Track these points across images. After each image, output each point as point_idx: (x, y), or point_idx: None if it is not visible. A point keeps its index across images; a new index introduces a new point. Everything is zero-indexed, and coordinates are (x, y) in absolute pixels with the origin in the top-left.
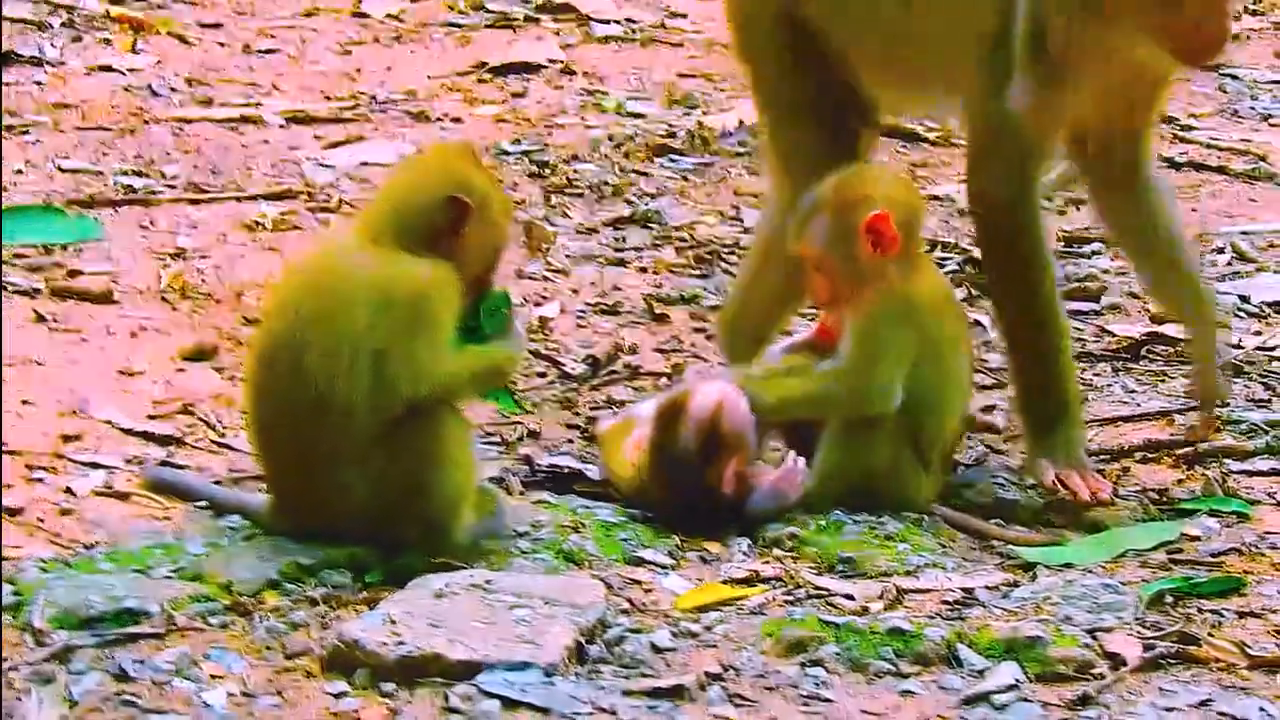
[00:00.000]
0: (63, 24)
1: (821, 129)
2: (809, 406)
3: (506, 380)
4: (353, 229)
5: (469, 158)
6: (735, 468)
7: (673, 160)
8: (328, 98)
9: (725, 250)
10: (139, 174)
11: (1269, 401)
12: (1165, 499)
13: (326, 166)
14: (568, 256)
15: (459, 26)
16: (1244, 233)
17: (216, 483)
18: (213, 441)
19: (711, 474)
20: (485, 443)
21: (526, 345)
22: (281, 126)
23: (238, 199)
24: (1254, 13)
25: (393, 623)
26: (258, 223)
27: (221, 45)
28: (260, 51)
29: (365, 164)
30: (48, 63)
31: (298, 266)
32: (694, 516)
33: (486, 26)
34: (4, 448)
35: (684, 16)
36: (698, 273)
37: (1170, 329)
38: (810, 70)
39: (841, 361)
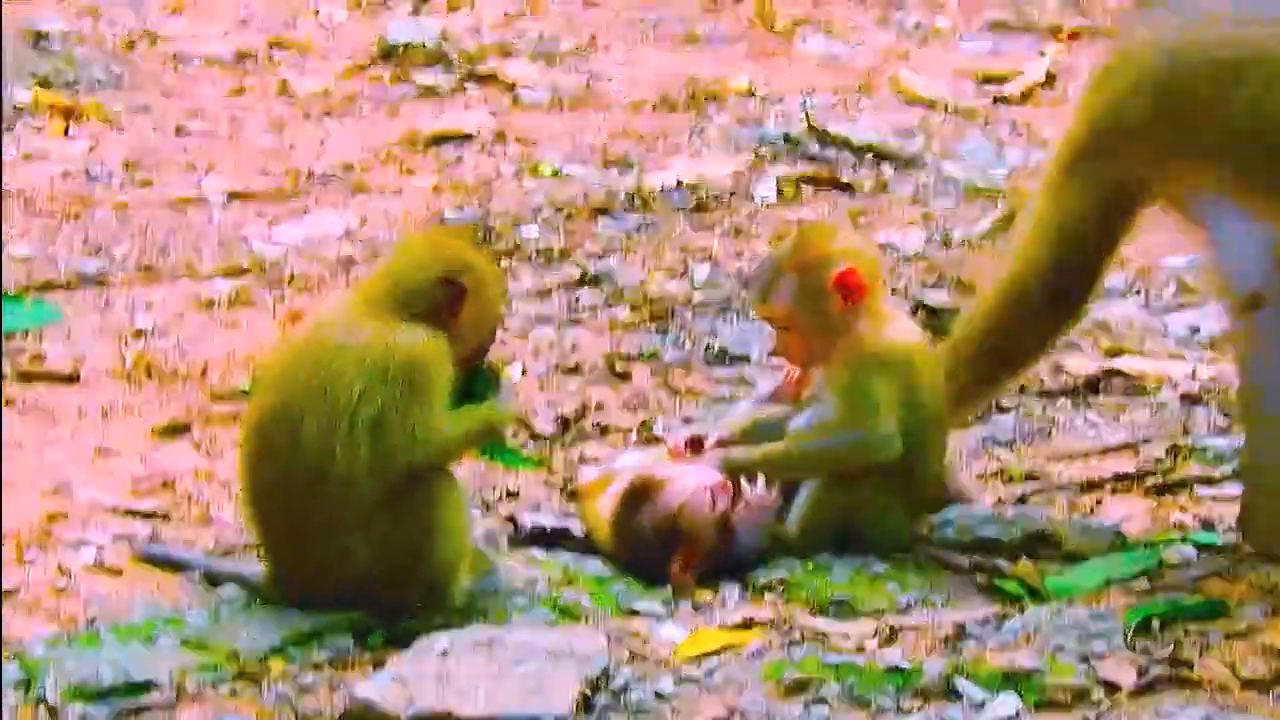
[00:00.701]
0: None
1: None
2: (806, 465)
3: (499, 438)
4: (347, 303)
5: (463, 240)
6: (688, 559)
7: (615, 220)
8: (265, 174)
9: (680, 307)
10: (90, 256)
11: (1229, 429)
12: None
13: (273, 244)
14: (524, 318)
15: (386, 100)
16: (1189, 264)
17: (208, 554)
18: (198, 515)
19: (670, 560)
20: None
21: (518, 408)
22: (224, 205)
23: (190, 278)
24: None
25: (402, 683)
26: (213, 301)
27: (153, 129)
28: (193, 132)
29: (310, 238)
30: None
31: (292, 339)
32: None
33: (414, 98)
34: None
35: (609, 80)
36: (655, 329)
37: (1125, 363)
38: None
39: (830, 416)
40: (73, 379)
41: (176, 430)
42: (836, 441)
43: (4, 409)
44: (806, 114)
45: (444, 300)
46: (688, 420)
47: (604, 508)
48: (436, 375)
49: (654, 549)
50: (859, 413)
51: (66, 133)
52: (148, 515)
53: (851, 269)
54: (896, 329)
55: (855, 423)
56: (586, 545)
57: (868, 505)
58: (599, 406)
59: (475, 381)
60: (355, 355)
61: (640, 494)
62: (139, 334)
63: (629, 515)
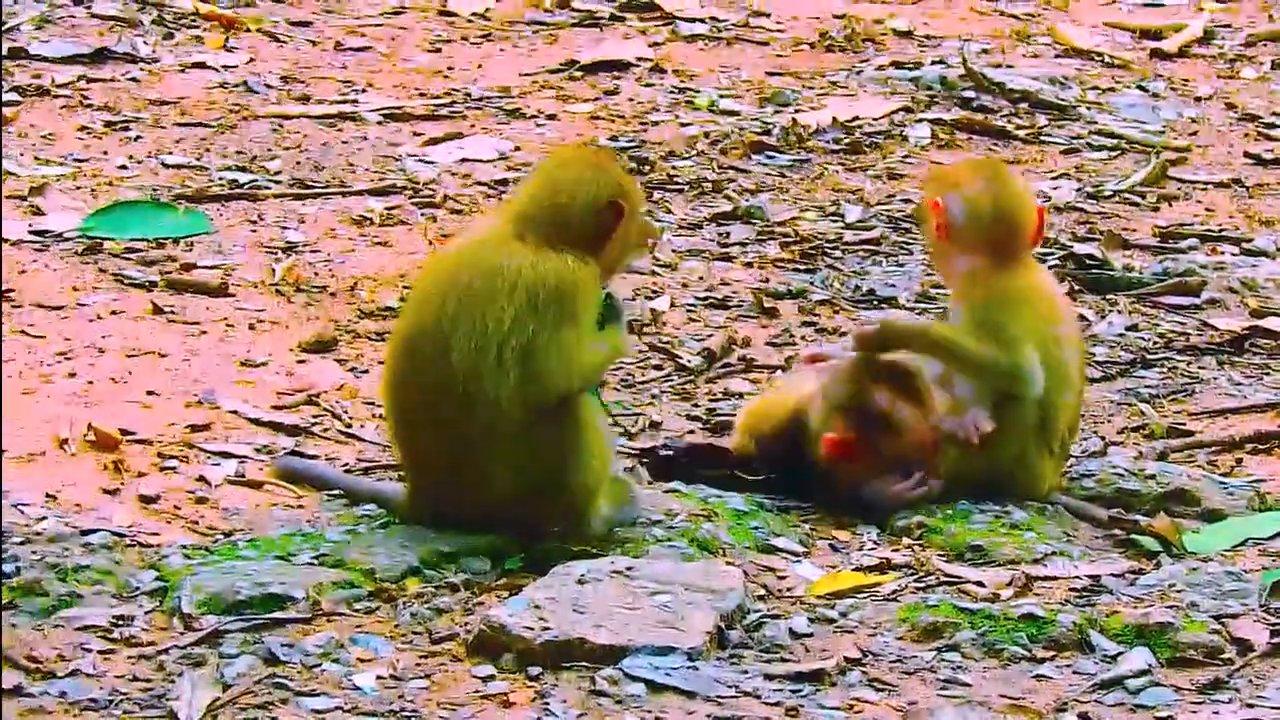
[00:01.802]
0: (153, 21)
1: None
2: (959, 359)
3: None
4: (497, 224)
5: (617, 162)
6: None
7: (769, 157)
8: (422, 95)
9: (829, 245)
10: (242, 169)
11: None
12: None
13: (427, 163)
14: (674, 251)
15: (545, 25)
16: None
17: (347, 472)
18: (340, 432)
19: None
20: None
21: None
22: (379, 123)
23: (343, 194)
24: None
25: (537, 608)
26: (365, 217)
27: (312, 43)
28: (351, 49)
29: (465, 160)
30: (142, 60)
31: (442, 260)
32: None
33: (573, 25)
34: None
35: (767, 15)
36: (803, 267)
37: (1271, 323)
38: None
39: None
40: (221, 290)
41: (323, 346)
42: (989, 357)
43: (145, 318)
44: (964, 58)
45: (605, 223)
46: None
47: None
48: (586, 302)
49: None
50: (1003, 346)
51: (226, 45)
52: (290, 430)
53: (937, 203)
54: (1028, 277)
55: (1001, 353)
56: (731, 478)
57: (1012, 453)
58: (745, 342)
59: (602, 308)
60: (508, 281)
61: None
62: (289, 248)
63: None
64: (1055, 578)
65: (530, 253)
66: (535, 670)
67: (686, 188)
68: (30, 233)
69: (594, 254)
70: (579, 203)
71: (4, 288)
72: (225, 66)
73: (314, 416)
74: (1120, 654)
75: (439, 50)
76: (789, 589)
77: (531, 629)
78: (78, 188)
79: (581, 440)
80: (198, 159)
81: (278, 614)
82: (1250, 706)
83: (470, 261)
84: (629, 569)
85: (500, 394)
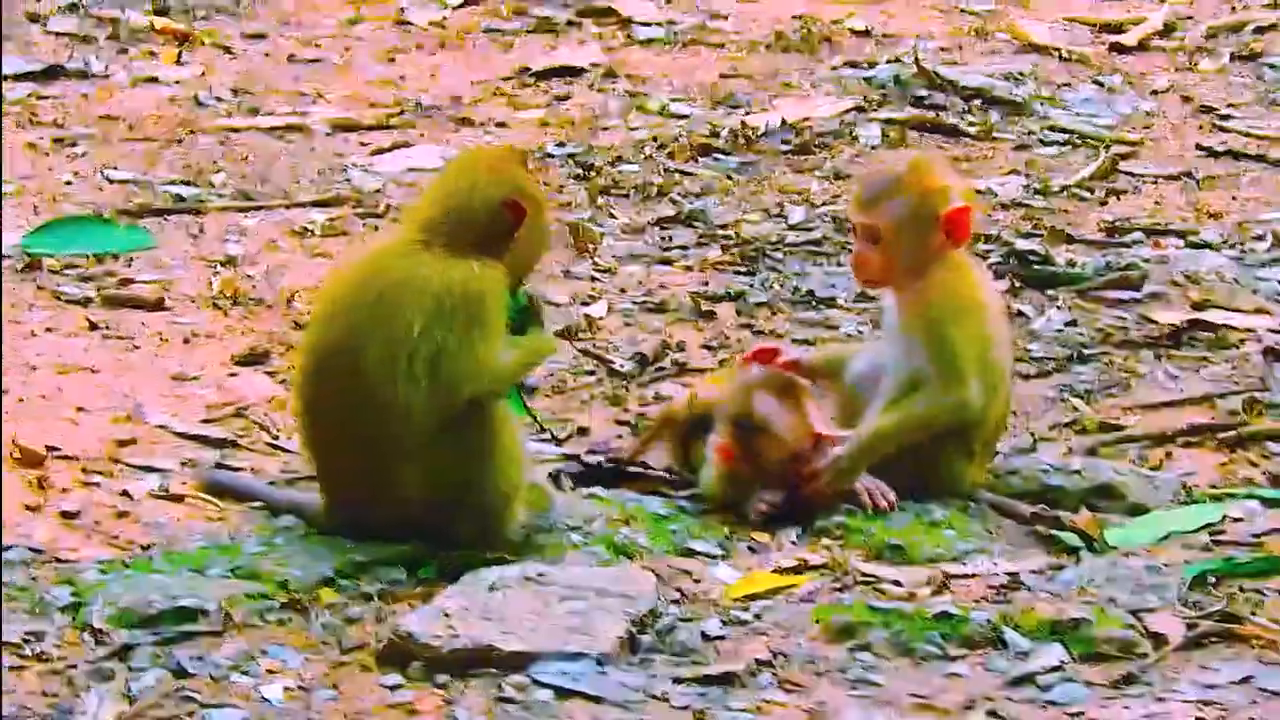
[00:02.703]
0: (108, 37)
1: None
2: (906, 439)
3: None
4: (402, 232)
5: (519, 162)
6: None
7: (717, 159)
8: (373, 105)
9: (770, 248)
10: (187, 183)
11: None
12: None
13: (373, 173)
14: (614, 256)
15: (501, 32)
16: None
17: (271, 484)
18: (266, 444)
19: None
20: (537, 439)
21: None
22: (327, 134)
23: (286, 206)
24: None
25: (447, 616)
26: (306, 229)
27: (266, 55)
28: (305, 60)
29: (411, 169)
30: (94, 75)
31: (348, 270)
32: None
33: (528, 31)
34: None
35: (725, 18)
36: (744, 270)
37: (1211, 315)
38: None
39: (928, 380)
40: (158, 304)
41: (255, 358)
42: (930, 413)
43: (79, 334)
44: (916, 57)
45: (503, 224)
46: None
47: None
48: (495, 306)
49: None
50: (953, 375)
51: (179, 59)
52: (217, 443)
53: (968, 209)
54: (971, 275)
55: (950, 386)
56: (651, 486)
57: (930, 450)
58: (680, 345)
59: (518, 310)
60: (415, 289)
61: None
62: (229, 261)
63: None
64: (974, 575)
65: (436, 260)
66: (443, 679)
67: (632, 192)
68: None
69: (498, 257)
70: (476, 205)
71: None
72: (177, 81)
73: (241, 429)
74: (1033, 650)
75: (393, 60)
76: (705, 592)
77: (440, 637)
78: (21, 204)
79: (496, 447)
80: (143, 174)
81: (189, 627)
82: (1161, 700)
83: (376, 271)
84: (541, 575)
85: (412, 403)
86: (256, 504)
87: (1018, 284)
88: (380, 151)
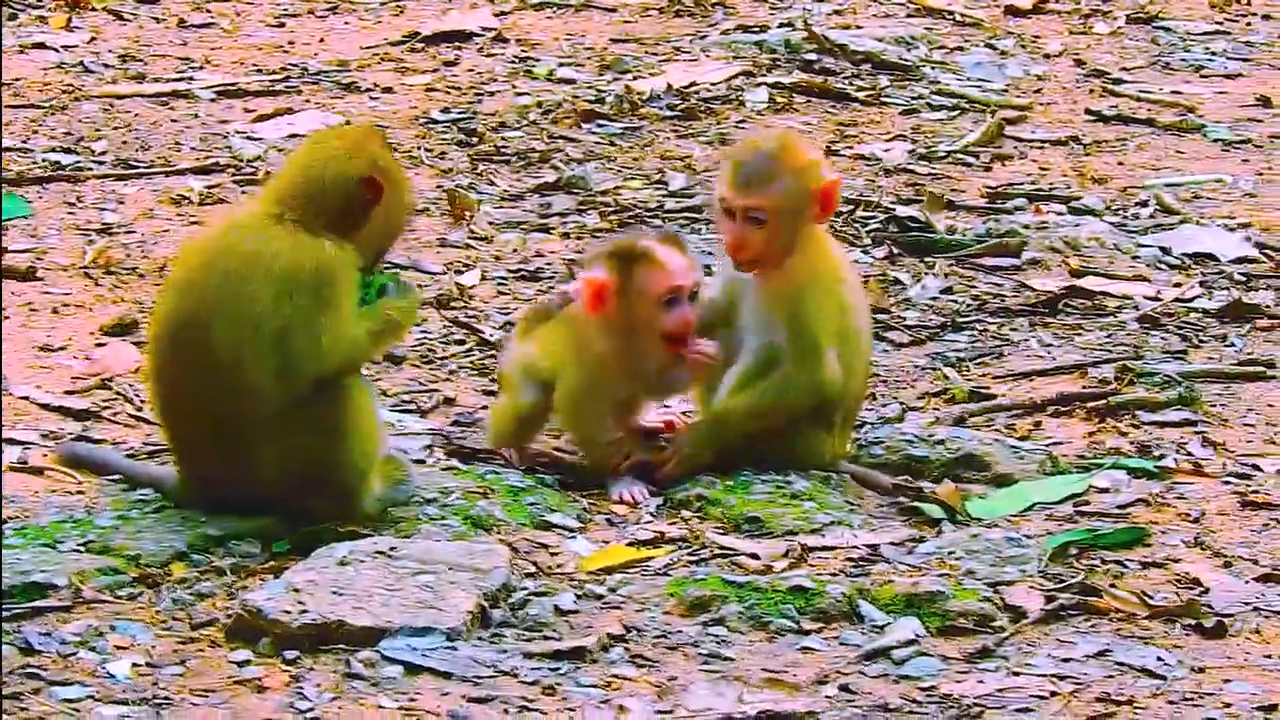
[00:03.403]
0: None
1: None
2: (764, 420)
3: (405, 331)
4: (256, 207)
5: (378, 139)
6: None
7: (600, 126)
8: (259, 70)
9: (648, 214)
10: (68, 151)
11: (1184, 353)
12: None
13: (254, 139)
14: (491, 223)
15: None
16: (1169, 185)
17: (131, 456)
18: (130, 415)
19: None
20: (402, 410)
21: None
22: (212, 100)
23: (165, 174)
24: None
25: (296, 591)
26: (184, 197)
27: (156, 21)
28: (194, 26)
29: (293, 136)
30: None
31: (200, 244)
32: None
33: None
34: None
35: None
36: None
37: (1089, 282)
38: None
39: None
40: (29, 274)
41: (124, 328)
42: (785, 394)
43: None
44: (806, 20)
45: (359, 202)
46: None
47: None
48: (344, 285)
49: None
50: (812, 354)
51: (69, 24)
52: (80, 414)
53: (838, 181)
54: (833, 252)
55: (810, 366)
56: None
57: (786, 424)
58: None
59: (379, 291)
60: (264, 266)
61: None
62: (104, 229)
63: None
64: (833, 548)
65: (287, 235)
66: (292, 654)
67: (514, 158)
68: None
69: (353, 234)
70: (330, 181)
71: None
72: (65, 46)
73: (105, 400)
74: (888, 624)
75: (283, 25)
76: (560, 565)
77: (289, 612)
78: None
79: (349, 421)
80: (24, 141)
81: (38, 602)
82: (1016, 675)
83: (228, 246)
84: (392, 549)
85: (260, 379)
86: (115, 477)
87: (895, 251)
88: (264, 118)
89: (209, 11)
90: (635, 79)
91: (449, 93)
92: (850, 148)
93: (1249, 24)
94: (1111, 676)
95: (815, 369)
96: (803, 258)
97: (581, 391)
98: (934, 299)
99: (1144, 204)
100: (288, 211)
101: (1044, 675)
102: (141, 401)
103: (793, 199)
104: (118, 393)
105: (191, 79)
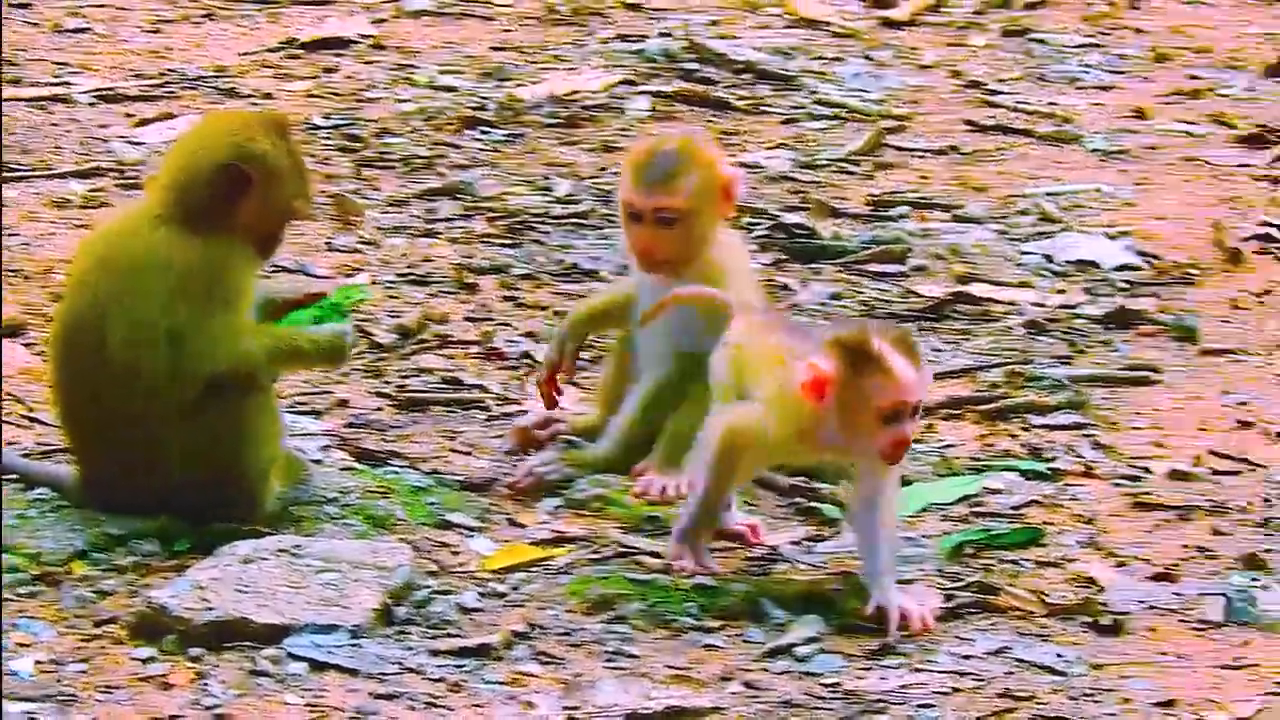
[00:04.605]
0: None
1: None
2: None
3: (334, 362)
4: (145, 202)
5: (261, 126)
6: None
7: (484, 132)
8: (138, 76)
9: (535, 220)
10: None
11: (1071, 358)
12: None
13: (136, 144)
14: (378, 228)
15: (269, 3)
16: (1049, 194)
17: (25, 456)
18: (22, 416)
19: None
20: (297, 411)
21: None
22: (91, 104)
23: (46, 177)
24: None
25: (201, 589)
26: (66, 200)
27: (32, 25)
28: (70, 30)
29: (172, 140)
30: None
31: (93, 242)
32: None
33: (297, 3)
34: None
35: None
36: (508, 242)
37: (975, 288)
38: None
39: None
40: None
41: (12, 330)
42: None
43: None
44: (686, 30)
45: (224, 191)
46: (529, 335)
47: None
48: (232, 284)
49: None
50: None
51: None
52: None
53: (738, 175)
54: (739, 249)
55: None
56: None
57: (690, 426)
58: (443, 318)
59: (321, 312)
60: (153, 264)
61: None
62: None
63: None
64: (732, 547)
65: (173, 233)
66: (196, 651)
67: (398, 164)
68: None
69: (229, 226)
70: (199, 170)
71: None
72: None
73: None
74: (790, 622)
75: (158, 30)
76: (462, 564)
77: (194, 610)
78: None
79: (249, 421)
80: None
81: None
82: (918, 671)
83: (118, 245)
84: (295, 547)
85: (156, 379)
86: (11, 477)
87: (782, 257)
88: (144, 123)
89: (83, 16)
90: (517, 86)
91: (330, 99)
92: (733, 156)
93: (1121, 37)
94: (1012, 673)
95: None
96: (714, 255)
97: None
98: (822, 305)
99: (1025, 212)
100: (170, 207)
101: (945, 672)
102: (33, 402)
103: (700, 196)
104: (9, 394)
105: (69, 84)
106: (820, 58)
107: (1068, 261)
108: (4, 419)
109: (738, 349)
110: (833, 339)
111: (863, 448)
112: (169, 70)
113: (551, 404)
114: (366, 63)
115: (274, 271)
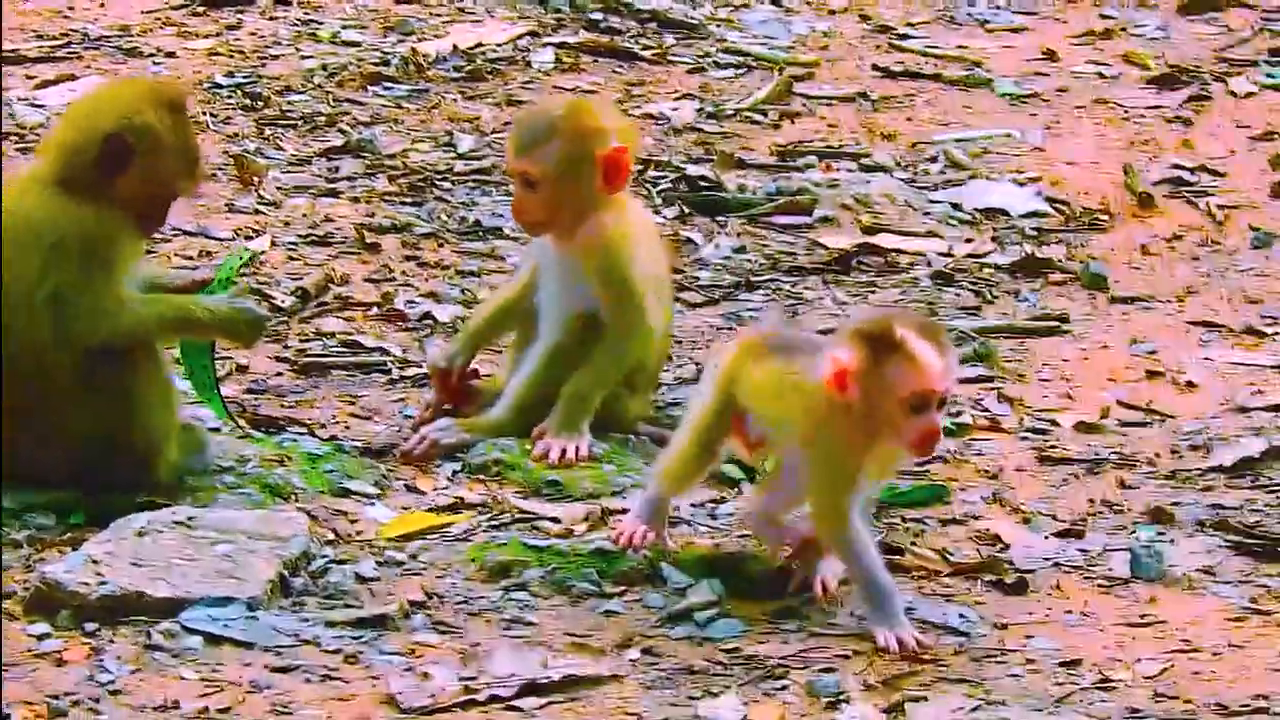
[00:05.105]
0: None
1: None
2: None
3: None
4: (33, 168)
5: (150, 95)
6: None
7: (387, 88)
8: (39, 36)
9: (438, 177)
10: None
11: (978, 309)
12: None
13: (37, 106)
14: (279, 189)
15: None
16: (958, 140)
17: None
18: None
19: None
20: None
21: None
22: None
23: None
24: None
25: (95, 563)
26: None
27: None
28: None
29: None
30: None
31: None
32: None
33: None
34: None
35: None
36: (411, 200)
37: (882, 239)
38: None
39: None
40: None
41: None
42: (621, 360)
43: None
44: None
45: (107, 160)
46: (431, 295)
47: None
48: (113, 251)
49: None
50: (635, 321)
51: None
52: None
53: (624, 150)
54: (637, 215)
55: (633, 331)
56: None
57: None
58: (344, 279)
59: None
60: (32, 229)
61: None
62: None
63: None
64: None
65: (54, 199)
66: (91, 626)
67: (300, 122)
68: None
69: (108, 198)
70: (85, 138)
71: None
72: None
73: None
74: (690, 586)
75: None
76: (359, 533)
77: (88, 584)
78: None
79: (140, 390)
80: None
81: None
82: (818, 635)
83: (4, 207)
84: (190, 519)
85: (40, 347)
86: None
87: (687, 210)
88: (45, 85)
89: None
90: (420, 40)
91: (232, 57)
92: (638, 107)
93: None
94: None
95: (642, 330)
96: (607, 225)
97: (834, 469)
98: (727, 258)
99: (933, 160)
100: (56, 173)
101: (846, 635)
102: None
103: (566, 164)
104: None
105: None
106: (727, 4)
107: (976, 210)
108: None
109: (738, 371)
110: (854, 329)
111: (892, 441)
112: (71, 30)
113: (454, 401)
114: (270, 19)
115: (174, 234)
